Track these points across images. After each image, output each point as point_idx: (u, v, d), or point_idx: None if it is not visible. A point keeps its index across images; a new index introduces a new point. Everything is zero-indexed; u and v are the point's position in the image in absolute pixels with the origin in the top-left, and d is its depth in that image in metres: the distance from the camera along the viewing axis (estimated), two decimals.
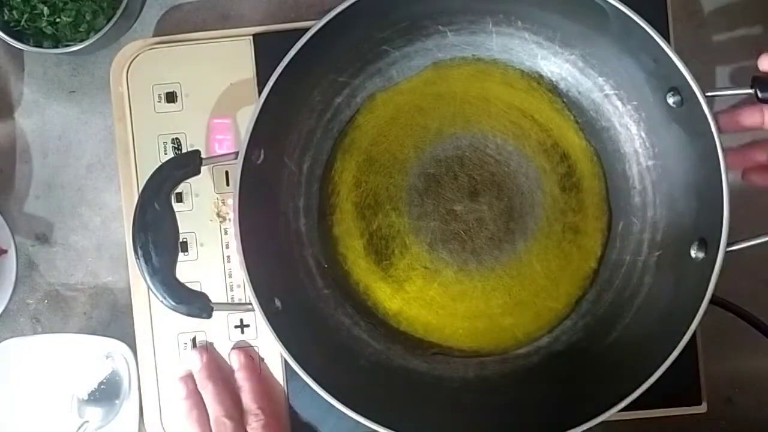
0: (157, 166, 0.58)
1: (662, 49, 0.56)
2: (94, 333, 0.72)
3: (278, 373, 0.69)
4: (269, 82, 0.57)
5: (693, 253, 0.60)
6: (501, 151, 0.68)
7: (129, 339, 0.70)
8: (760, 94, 0.56)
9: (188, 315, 0.56)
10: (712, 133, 0.55)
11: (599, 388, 0.61)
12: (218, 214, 0.70)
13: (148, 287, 0.56)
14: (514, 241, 0.67)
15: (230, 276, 0.69)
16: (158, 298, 0.56)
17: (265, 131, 0.59)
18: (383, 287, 0.67)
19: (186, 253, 0.69)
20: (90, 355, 0.71)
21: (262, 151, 0.60)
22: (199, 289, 0.61)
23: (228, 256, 0.70)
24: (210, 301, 0.57)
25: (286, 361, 0.59)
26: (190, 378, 0.68)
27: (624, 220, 0.67)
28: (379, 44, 0.66)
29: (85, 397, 0.71)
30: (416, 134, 0.68)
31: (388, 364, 0.66)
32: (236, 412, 0.66)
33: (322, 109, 0.67)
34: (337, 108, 0.68)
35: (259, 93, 0.58)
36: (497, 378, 0.66)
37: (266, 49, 0.69)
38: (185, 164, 0.58)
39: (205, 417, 0.66)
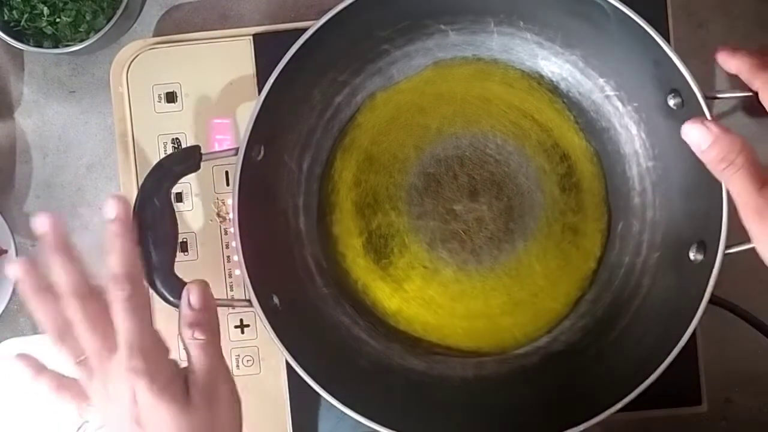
0: (156, 162, 0.58)
1: (663, 50, 0.56)
2: None
3: (278, 373, 0.69)
4: (269, 79, 0.58)
5: (692, 255, 0.60)
6: (501, 151, 0.68)
7: None
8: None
9: None
10: None
11: (598, 388, 0.61)
12: (218, 214, 0.70)
13: (147, 283, 0.56)
14: (514, 241, 0.67)
15: (230, 276, 0.70)
16: (157, 293, 0.55)
17: (265, 129, 0.59)
18: (382, 286, 0.68)
19: (186, 253, 0.69)
20: None
21: (262, 148, 0.61)
22: None
23: (228, 256, 0.70)
24: None
25: (286, 360, 0.59)
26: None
27: (623, 221, 0.67)
28: (380, 43, 0.66)
29: None
30: (416, 134, 0.68)
31: (387, 363, 0.66)
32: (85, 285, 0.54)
33: (323, 107, 0.67)
34: (337, 107, 0.68)
35: (259, 93, 0.58)
36: (496, 378, 0.66)
37: (266, 49, 0.69)
38: (185, 159, 0.58)
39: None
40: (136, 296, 0.52)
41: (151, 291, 0.56)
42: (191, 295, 0.54)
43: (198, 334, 0.54)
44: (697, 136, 0.52)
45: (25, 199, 0.72)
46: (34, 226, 0.54)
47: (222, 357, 0.56)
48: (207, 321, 0.55)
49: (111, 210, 0.54)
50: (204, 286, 0.55)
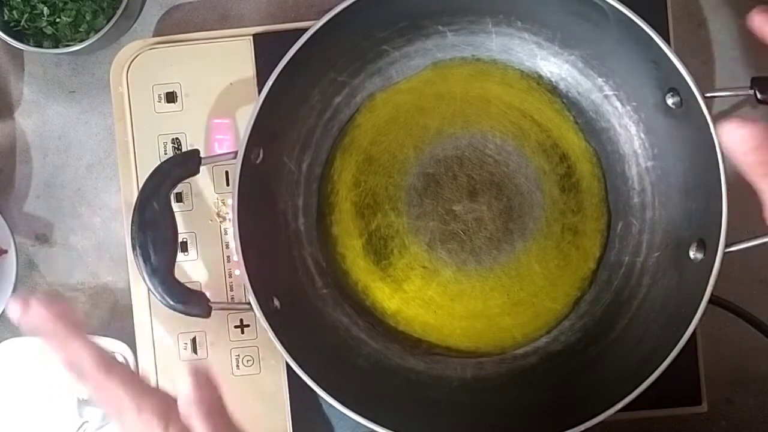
0: (155, 166, 0.58)
1: (661, 49, 0.56)
2: (94, 333, 0.72)
3: (278, 373, 0.69)
4: (268, 81, 0.58)
5: (692, 254, 0.60)
6: (500, 151, 0.68)
7: (129, 339, 0.70)
8: (759, 96, 0.56)
9: (186, 314, 0.56)
10: (711, 134, 0.55)
11: (598, 388, 0.61)
12: (218, 214, 0.70)
13: (147, 286, 0.56)
14: (513, 242, 0.67)
15: (230, 276, 0.69)
16: (156, 297, 0.56)
17: (265, 130, 0.59)
18: (382, 287, 0.68)
19: (186, 253, 0.69)
20: None
21: (261, 151, 0.61)
22: (199, 289, 0.61)
23: (228, 256, 0.70)
24: (208, 300, 0.57)
25: (286, 361, 0.59)
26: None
27: (623, 220, 0.67)
28: (379, 44, 0.66)
29: (85, 397, 0.71)
30: (416, 134, 0.68)
31: (386, 363, 0.66)
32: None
33: (322, 108, 0.67)
34: (336, 107, 0.68)
35: (259, 93, 0.58)
36: (495, 378, 0.66)
37: (266, 49, 0.68)
38: (184, 163, 0.58)
39: None
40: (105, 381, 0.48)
41: (151, 293, 0.56)
42: (181, 385, 0.49)
43: (194, 420, 0.50)
44: (742, 136, 0.47)
45: (25, 199, 0.72)
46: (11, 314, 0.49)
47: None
48: (204, 405, 0.49)
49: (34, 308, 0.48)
50: (197, 373, 0.50)
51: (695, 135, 0.58)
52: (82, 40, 0.67)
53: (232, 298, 0.69)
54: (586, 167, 0.67)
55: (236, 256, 0.58)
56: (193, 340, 0.69)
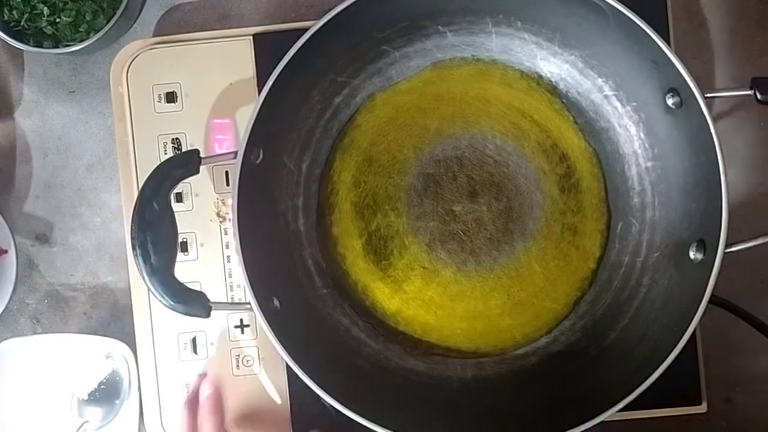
0: (155, 166, 0.58)
1: (661, 50, 0.56)
2: (94, 333, 0.72)
3: (278, 373, 0.69)
4: (268, 81, 0.58)
5: (692, 254, 0.60)
6: (500, 151, 0.68)
7: (129, 339, 0.70)
8: (759, 96, 0.56)
9: (186, 314, 0.56)
10: (711, 134, 0.55)
11: (598, 388, 0.61)
12: (218, 214, 0.70)
13: (147, 286, 0.56)
14: (513, 242, 0.67)
15: (230, 276, 0.70)
16: (156, 297, 0.56)
17: (264, 131, 0.59)
18: (382, 287, 0.68)
19: (186, 253, 0.69)
20: (90, 355, 0.71)
21: (261, 151, 0.61)
22: (198, 289, 0.61)
23: (228, 256, 0.70)
24: (208, 300, 0.57)
25: (286, 361, 0.59)
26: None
27: (623, 221, 0.67)
28: (379, 44, 0.66)
29: (85, 397, 0.71)
30: (415, 134, 0.68)
31: (387, 364, 0.66)
32: None
33: (322, 108, 0.67)
34: (336, 108, 0.68)
35: (259, 93, 0.58)
36: (495, 378, 0.66)
37: (266, 49, 0.69)
38: (184, 163, 0.58)
39: None
40: None
41: (151, 293, 0.56)
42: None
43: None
44: None
45: (25, 199, 0.72)
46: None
47: None
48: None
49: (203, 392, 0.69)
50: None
51: (695, 135, 0.58)
52: (82, 40, 0.67)
53: (232, 298, 0.69)
54: (585, 167, 0.67)
55: (236, 256, 0.58)
56: (193, 340, 0.69)
